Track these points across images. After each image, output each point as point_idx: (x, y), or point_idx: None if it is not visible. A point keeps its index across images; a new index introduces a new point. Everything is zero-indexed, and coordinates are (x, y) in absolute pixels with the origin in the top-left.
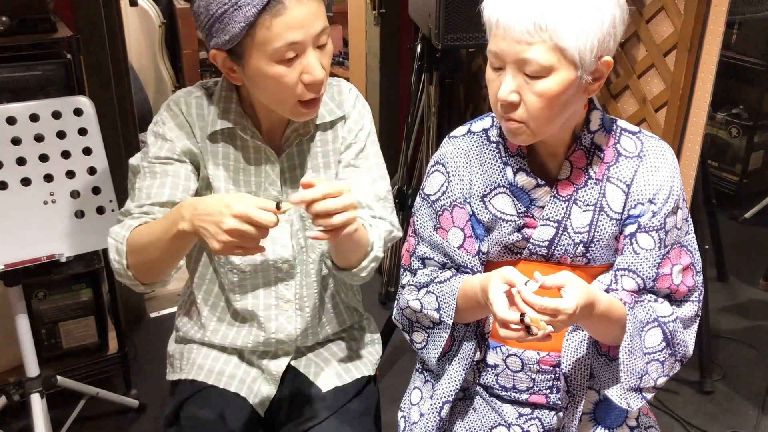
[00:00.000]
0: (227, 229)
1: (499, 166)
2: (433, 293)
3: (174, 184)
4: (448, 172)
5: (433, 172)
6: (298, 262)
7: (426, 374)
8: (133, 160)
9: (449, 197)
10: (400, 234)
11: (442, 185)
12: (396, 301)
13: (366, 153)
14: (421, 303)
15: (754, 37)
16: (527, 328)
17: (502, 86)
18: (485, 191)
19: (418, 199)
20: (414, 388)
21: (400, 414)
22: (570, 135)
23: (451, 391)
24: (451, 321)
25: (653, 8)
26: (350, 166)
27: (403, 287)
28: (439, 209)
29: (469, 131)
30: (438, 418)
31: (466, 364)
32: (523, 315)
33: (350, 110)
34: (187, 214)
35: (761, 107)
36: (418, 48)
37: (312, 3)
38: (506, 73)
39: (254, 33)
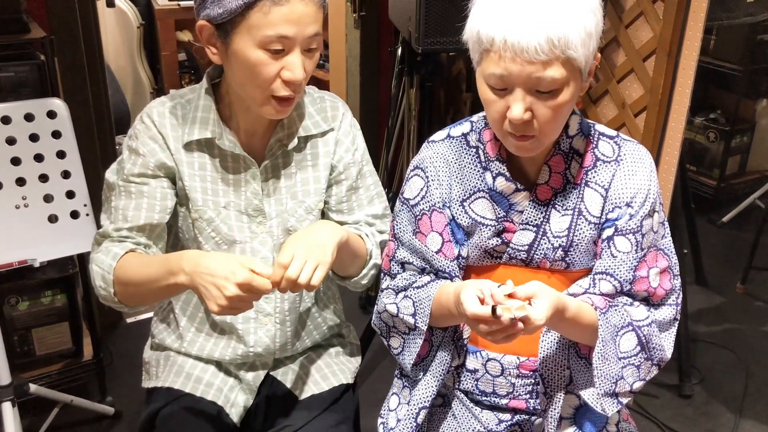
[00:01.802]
0: (229, 296)
1: (478, 171)
2: (410, 298)
3: (150, 205)
4: (427, 177)
5: (412, 177)
6: None
7: (404, 380)
8: (109, 175)
9: (428, 202)
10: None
11: (422, 190)
12: (375, 306)
13: (363, 172)
14: (398, 307)
15: (731, 43)
16: (495, 313)
17: (514, 108)
18: (465, 196)
19: (397, 203)
20: (392, 394)
21: (379, 420)
22: None
23: (427, 396)
24: (425, 327)
25: (632, 13)
26: (351, 189)
27: (382, 291)
28: (418, 213)
29: (449, 136)
30: (414, 424)
31: (442, 370)
32: (494, 306)
33: (347, 128)
34: (188, 268)
35: (738, 112)
36: (399, 51)
37: (313, 6)
38: (515, 94)
39: (249, 14)
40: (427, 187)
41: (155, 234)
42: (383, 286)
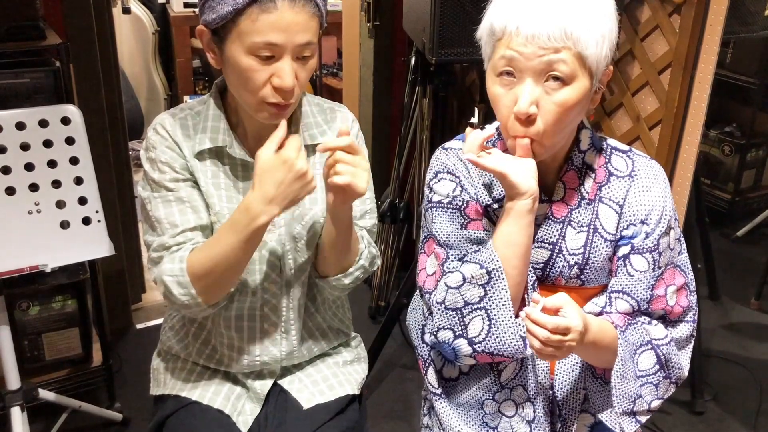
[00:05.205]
0: (304, 169)
1: (498, 180)
2: (468, 261)
3: (194, 208)
4: (458, 177)
5: (439, 181)
6: (285, 284)
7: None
8: (141, 192)
9: (468, 194)
10: (379, 263)
11: (455, 189)
12: (428, 325)
13: None
14: (461, 273)
15: (747, 56)
16: None
17: (522, 98)
18: (488, 202)
19: (427, 215)
20: None
21: None
22: (563, 154)
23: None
24: (500, 263)
25: (648, 26)
26: None
27: (433, 309)
28: (461, 203)
29: None
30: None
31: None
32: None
33: (352, 138)
34: (263, 206)
35: (754, 126)
36: (412, 61)
37: (304, 15)
38: (524, 83)
39: (239, 21)
40: (461, 186)
41: (206, 234)
42: (438, 298)
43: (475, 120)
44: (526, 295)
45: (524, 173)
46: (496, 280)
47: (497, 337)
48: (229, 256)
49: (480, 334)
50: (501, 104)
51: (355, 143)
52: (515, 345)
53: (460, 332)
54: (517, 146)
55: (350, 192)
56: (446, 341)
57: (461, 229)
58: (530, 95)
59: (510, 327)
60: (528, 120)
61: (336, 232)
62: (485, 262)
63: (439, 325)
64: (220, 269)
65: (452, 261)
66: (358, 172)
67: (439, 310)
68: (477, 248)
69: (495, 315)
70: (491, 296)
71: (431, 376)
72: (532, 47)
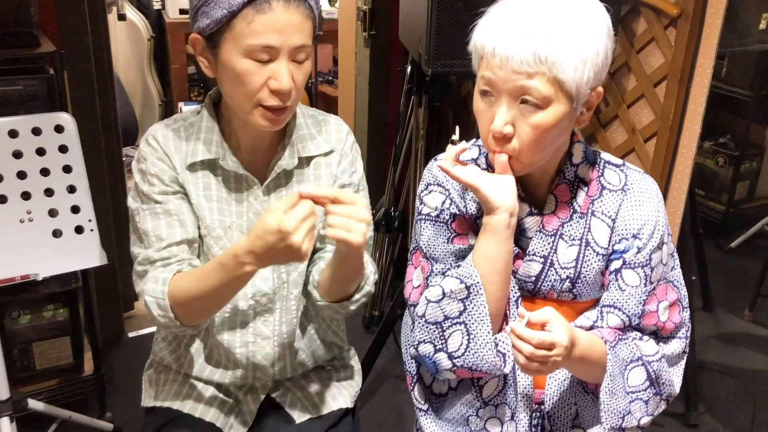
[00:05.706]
0: (298, 244)
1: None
2: (449, 276)
3: (182, 222)
4: (447, 190)
5: (429, 193)
6: (278, 298)
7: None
8: (131, 203)
9: (456, 206)
10: (376, 278)
11: (444, 202)
12: (413, 337)
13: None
14: (441, 287)
15: (742, 69)
16: None
17: (497, 118)
18: (478, 215)
19: (417, 227)
20: None
21: None
22: (554, 167)
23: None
24: (479, 278)
25: (644, 39)
26: None
27: (420, 316)
28: (449, 217)
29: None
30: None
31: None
32: None
33: (347, 151)
34: (249, 258)
35: (748, 137)
36: (408, 70)
37: (298, 16)
38: (500, 104)
39: (234, 23)
40: (451, 199)
41: (193, 248)
42: (419, 311)
43: (456, 137)
44: (508, 311)
45: (499, 188)
46: (475, 295)
47: (475, 353)
48: (212, 293)
49: (459, 348)
50: (481, 120)
51: (342, 195)
52: (492, 361)
53: (440, 346)
54: (495, 162)
55: (347, 245)
56: (427, 355)
57: (447, 242)
58: (504, 117)
59: (488, 343)
60: (504, 138)
61: (342, 267)
62: (464, 277)
63: (420, 338)
64: (202, 302)
65: (436, 275)
66: (351, 225)
67: (420, 323)
68: (459, 263)
69: (474, 330)
70: (470, 311)
71: (417, 392)
72: (505, 71)
